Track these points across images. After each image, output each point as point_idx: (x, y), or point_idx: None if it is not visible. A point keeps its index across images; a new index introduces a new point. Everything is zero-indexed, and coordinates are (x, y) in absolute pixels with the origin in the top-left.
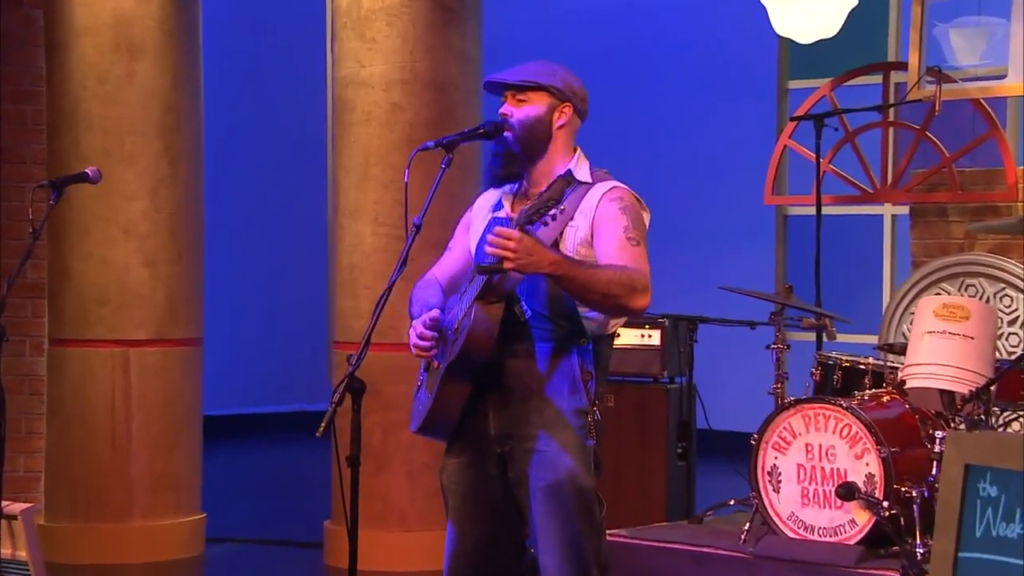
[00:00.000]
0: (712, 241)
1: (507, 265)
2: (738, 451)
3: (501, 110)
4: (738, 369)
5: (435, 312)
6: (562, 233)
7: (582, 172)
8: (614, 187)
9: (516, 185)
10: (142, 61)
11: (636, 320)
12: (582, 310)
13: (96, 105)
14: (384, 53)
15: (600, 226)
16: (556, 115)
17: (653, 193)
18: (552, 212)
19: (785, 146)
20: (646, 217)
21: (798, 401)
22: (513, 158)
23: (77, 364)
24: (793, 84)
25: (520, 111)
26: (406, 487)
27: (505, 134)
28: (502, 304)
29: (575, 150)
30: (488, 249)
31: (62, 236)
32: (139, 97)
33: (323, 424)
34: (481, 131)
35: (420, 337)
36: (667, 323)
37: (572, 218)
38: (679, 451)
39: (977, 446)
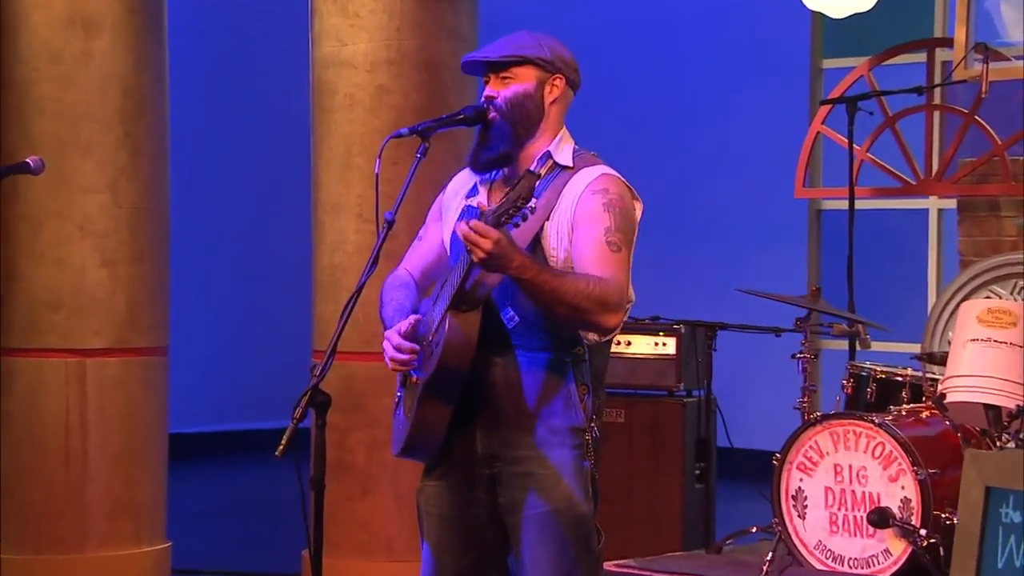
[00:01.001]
0: (736, 238)
1: (475, 258)
2: (763, 473)
3: (485, 92)
4: (763, 381)
5: (413, 319)
6: (542, 229)
7: (563, 154)
8: (601, 175)
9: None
10: (100, 39)
11: (649, 328)
12: None
13: (48, 88)
14: (368, 30)
15: (579, 223)
16: (547, 89)
17: (671, 184)
18: (523, 212)
19: (818, 133)
20: (637, 211)
21: (825, 417)
22: (503, 141)
23: (27, 376)
24: (828, 63)
25: (507, 89)
26: (393, 512)
27: (491, 117)
28: (478, 312)
29: (561, 128)
30: (460, 234)
31: (10, 234)
32: (96, 79)
33: (283, 442)
34: (461, 117)
35: (398, 349)
36: (683, 330)
37: (553, 210)
38: (697, 472)
39: (999, 467)
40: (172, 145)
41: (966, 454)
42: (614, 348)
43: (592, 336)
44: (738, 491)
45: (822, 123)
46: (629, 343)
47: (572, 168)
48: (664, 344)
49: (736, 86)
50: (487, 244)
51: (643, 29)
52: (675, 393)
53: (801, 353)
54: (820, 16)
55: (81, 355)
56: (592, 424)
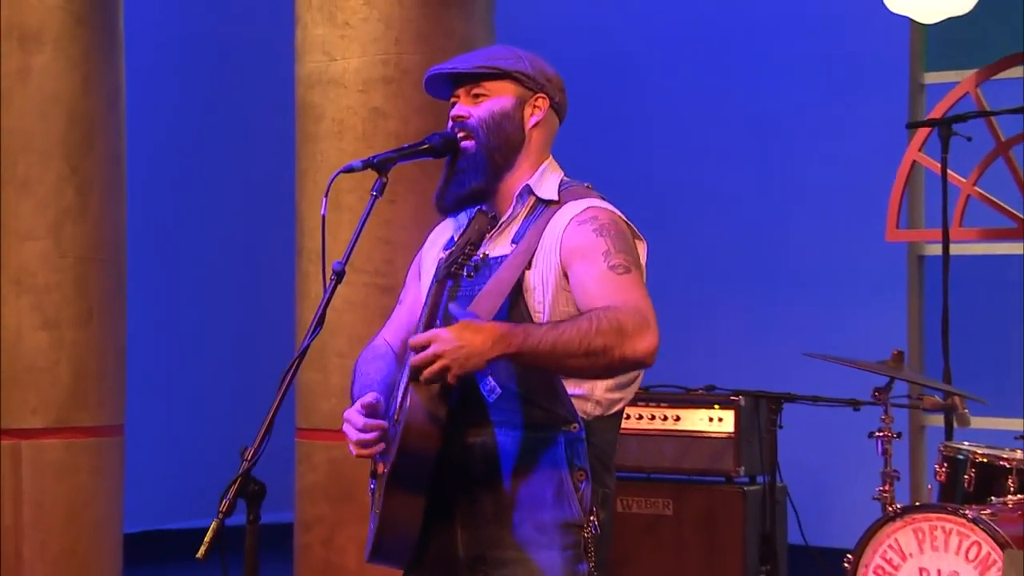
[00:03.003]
0: (814, 291)
1: (450, 378)
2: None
3: (453, 112)
4: (842, 464)
5: (370, 396)
6: (523, 279)
7: (547, 187)
8: (588, 206)
9: (472, 215)
10: (40, 54)
11: (702, 399)
12: (570, 384)
13: None
14: (361, 42)
15: (571, 260)
16: (528, 109)
17: (732, 223)
18: (475, 260)
19: (914, 162)
20: (641, 250)
21: (907, 510)
22: (476, 173)
23: None
24: (931, 77)
25: (480, 107)
26: None
27: (464, 145)
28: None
29: (546, 157)
30: (412, 362)
31: None
32: (36, 103)
33: (205, 542)
34: (426, 146)
35: (363, 429)
36: (743, 402)
37: (535, 255)
38: (762, 574)
39: None
40: (128, 183)
41: (1005, 555)
42: (660, 424)
43: (615, 394)
44: None
45: (920, 150)
46: (678, 418)
47: (557, 202)
48: (720, 419)
49: (819, 105)
50: (429, 352)
51: (705, 42)
52: (734, 479)
53: (881, 431)
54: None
55: (15, 437)
56: (592, 518)
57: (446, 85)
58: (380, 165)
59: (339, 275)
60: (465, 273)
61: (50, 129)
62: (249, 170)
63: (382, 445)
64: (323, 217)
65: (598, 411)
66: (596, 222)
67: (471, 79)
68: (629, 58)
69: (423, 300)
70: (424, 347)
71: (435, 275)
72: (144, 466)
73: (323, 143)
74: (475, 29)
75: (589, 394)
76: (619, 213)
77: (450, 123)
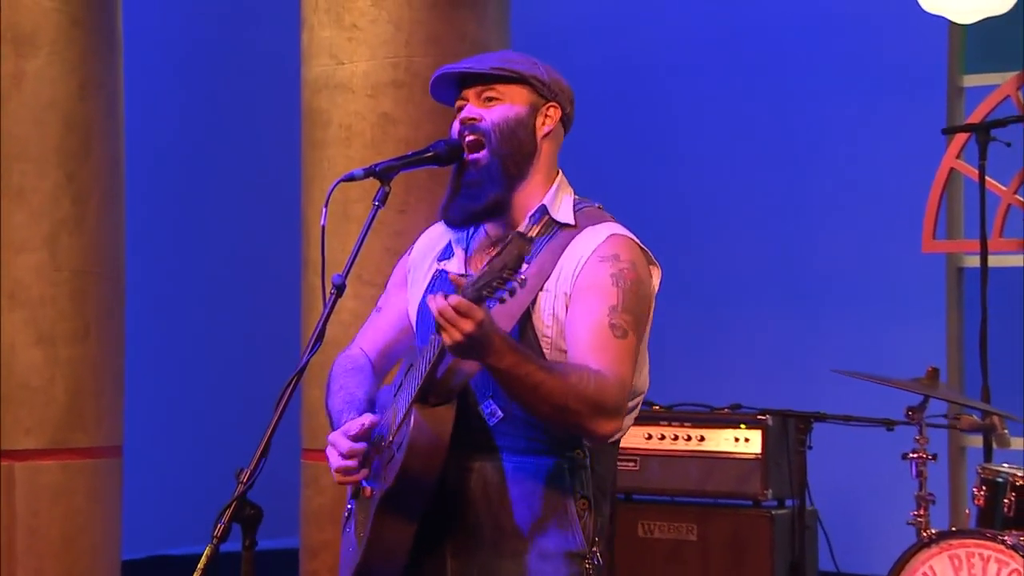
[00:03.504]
0: (845, 304)
1: (445, 338)
2: None
3: (462, 114)
4: (875, 487)
5: (367, 419)
6: (534, 304)
7: (563, 209)
8: (611, 236)
9: (475, 227)
10: (35, 58)
11: (728, 419)
12: None
13: None
14: (370, 44)
15: (579, 296)
16: (540, 119)
17: (758, 235)
18: (511, 285)
19: (951, 169)
20: (654, 279)
21: (942, 536)
22: (492, 184)
23: None
24: (969, 80)
25: (493, 111)
26: None
27: (472, 156)
28: (452, 407)
29: (557, 174)
30: (435, 309)
31: None
32: (31, 109)
33: (199, 568)
34: (431, 154)
35: (345, 455)
36: (771, 422)
37: (549, 280)
38: None
39: None
40: (128, 192)
41: None
42: (683, 446)
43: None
44: None
45: (957, 157)
46: (702, 438)
47: (574, 226)
48: (747, 440)
49: (852, 110)
50: (468, 326)
51: (731, 44)
52: (762, 503)
53: (915, 452)
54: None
55: (9, 458)
56: (594, 549)
57: (452, 88)
58: (383, 174)
59: (340, 288)
60: (498, 298)
61: (45, 136)
62: (253, 178)
63: (365, 472)
64: (322, 228)
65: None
66: (616, 264)
67: (484, 80)
68: (651, 62)
69: (410, 311)
70: (464, 315)
71: (463, 295)
72: (144, 489)
73: (330, 150)
74: (488, 32)
75: None
76: (636, 241)
77: (457, 125)
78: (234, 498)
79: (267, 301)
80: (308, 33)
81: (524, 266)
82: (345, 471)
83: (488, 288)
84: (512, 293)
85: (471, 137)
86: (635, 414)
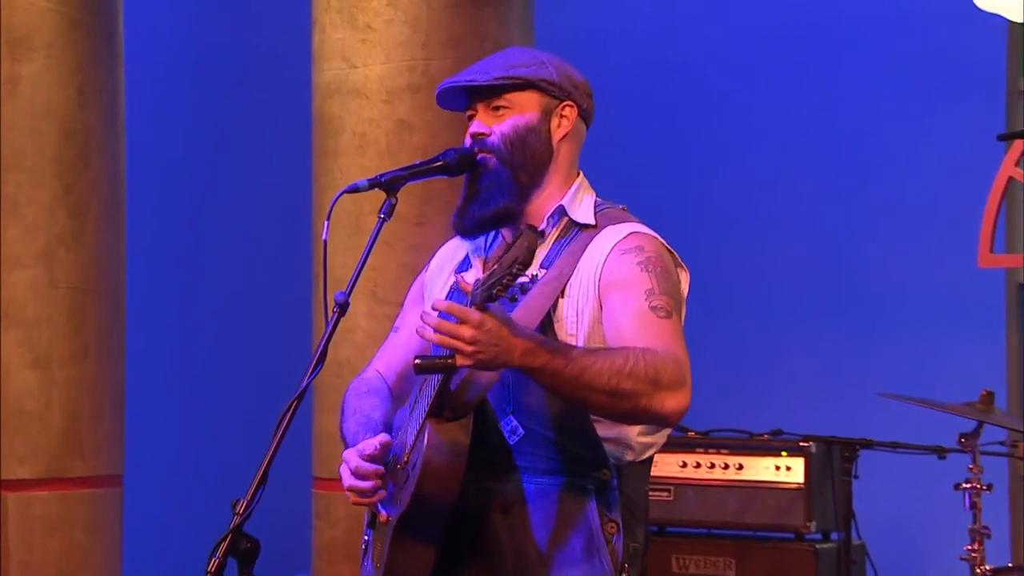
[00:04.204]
0: (896, 324)
1: (461, 361)
2: None
3: (471, 129)
4: (925, 519)
5: (381, 438)
6: (555, 308)
7: (582, 210)
8: (632, 232)
9: (492, 235)
10: (30, 62)
11: (768, 446)
12: (602, 427)
13: None
14: (385, 47)
15: (610, 291)
16: (555, 121)
17: (802, 248)
18: (522, 282)
19: (1010, 178)
20: (683, 281)
21: (998, 572)
22: (501, 193)
23: None
24: None
25: (502, 124)
26: None
27: (481, 157)
28: (468, 421)
29: (577, 175)
30: (433, 337)
31: None
32: (26, 116)
33: None
34: (440, 163)
35: (357, 474)
36: (814, 449)
37: (570, 282)
38: None
39: None
40: (128, 205)
41: None
42: (720, 474)
43: (648, 438)
44: None
45: (1016, 165)
46: (741, 467)
47: (594, 227)
48: (788, 468)
49: (904, 115)
50: (467, 332)
51: (777, 45)
52: (805, 536)
53: (968, 482)
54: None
55: (2, 488)
56: (624, 575)
57: (462, 96)
58: (388, 184)
59: (343, 307)
60: (509, 296)
61: (41, 145)
62: (262, 189)
63: (383, 494)
64: (324, 242)
65: (630, 456)
66: (641, 253)
67: (491, 92)
68: (692, 62)
69: None
70: (462, 322)
71: (472, 299)
72: (145, 520)
73: (343, 159)
74: (511, 31)
75: (622, 437)
76: (661, 240)
77: (468, 140)
78: (229, 531)
79: (278, 320)
80: (319, 34)
81: (540, 269)
82: (359, 491)
83: (499, 286)
84: (524, 291)
85: (481, 155)
86: (668, 430)
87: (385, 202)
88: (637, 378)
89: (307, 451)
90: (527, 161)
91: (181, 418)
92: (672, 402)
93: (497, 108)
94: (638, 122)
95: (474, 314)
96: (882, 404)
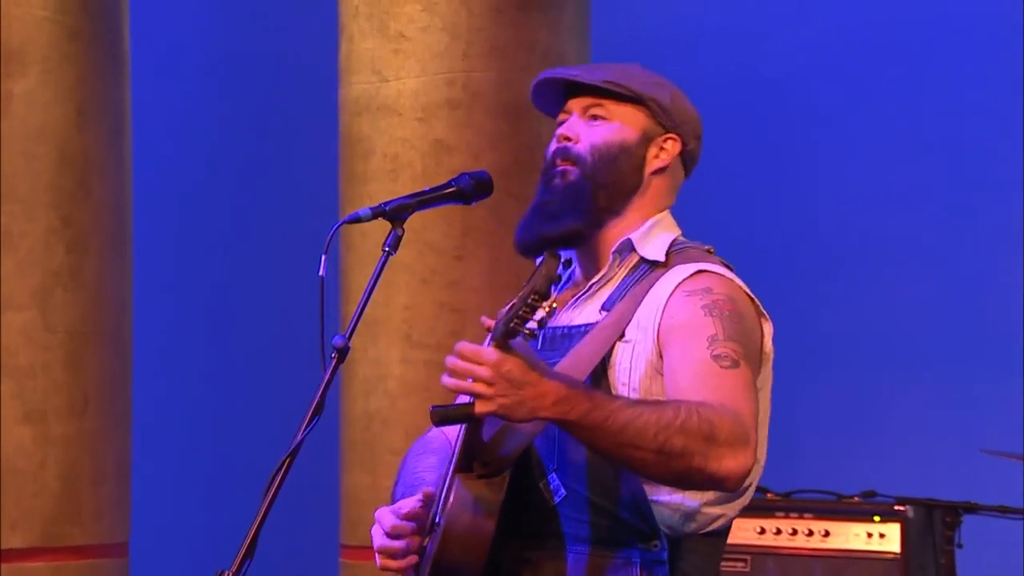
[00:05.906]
0: (1005, 372)
1: (480, 407)
2: None
3: (560, 130)
4: None
5: (420, 496)
6: (611, 352)
7: (654, 245)
8: (701, 271)
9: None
10: (24, 77)
11: (860, 510)
12: (660, 491)
13: None
14: (420, 57)
15: (670, 338)
16: (653, 150)
17: (898, 284)
18: (539, 316)
19: None
20: (765, 331)
21: None
22: (575, 211)
23: None
24: None
25: (595, 131)
26: None
27: (560, 167)
28: (503, 481)
29: (663, 213)
30: (448, 382)
31: None
32: (19, 139)
33: None
34: (451, 190)
35: (391, 534)
36: (911, 513)
37: (629, 325)
38: None
39: None
40: (136, 238)
41: None
42: (805, 541)
43: (714, 508)
44: None
45: None
46: (828, 533)
47: (664, 265)
48: (882, 535)
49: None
50: (484, 372)
51: (883, 55)
52: None
53: None
54: None
55: None
56: None
57: (557, 96)
58: (393, 214)
59: (342, 352)
60: (526, 331)
61: (36, 171)
62: (285, 221)
63: (415, 558)
64: (321, 278)
65: (689, 527)
66: (708, 296)
67: (593, 93)
68: (780, 74)
69: None
70: (476, 364)
71: (492, 335)
72: None
73: (372, 184)
74: (563, 41)
75: (682, 504)
76: (739, 282)
77: (553, 144)
78: None
79: (301, 367)
80: (347, 44)
81: (554, 294)
82: (388, 552)
83: (516, 319)
84: (542, 324)
85: (562, 167)
86: (745, 500)
87: (390, 234)
88: (689, 434)
89: (335, 515)
90: (610, 182)
91: (193, 479)
92: (731, 463)
93: (595, 116)
94: (714, 144)
95: (490, 353)
96: (987, 462)
